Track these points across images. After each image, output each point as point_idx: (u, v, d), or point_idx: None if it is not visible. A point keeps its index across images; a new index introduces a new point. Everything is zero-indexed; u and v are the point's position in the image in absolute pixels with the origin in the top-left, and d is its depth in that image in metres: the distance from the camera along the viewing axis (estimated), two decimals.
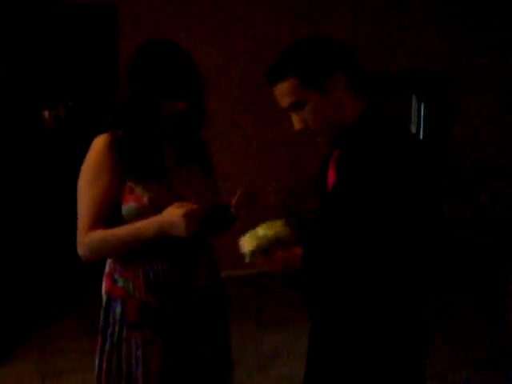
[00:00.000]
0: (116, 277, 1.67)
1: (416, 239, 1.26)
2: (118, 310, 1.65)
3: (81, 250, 1.61)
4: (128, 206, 1.58)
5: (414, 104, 4.92)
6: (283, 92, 1.35)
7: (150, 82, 1.57)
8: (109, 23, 3.97)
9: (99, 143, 1.60)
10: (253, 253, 1.43)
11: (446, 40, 5.10)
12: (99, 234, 1.58)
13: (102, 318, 1.69)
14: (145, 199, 1.57)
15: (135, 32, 4.08)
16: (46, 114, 4.77)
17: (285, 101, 1.36)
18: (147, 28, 4.19)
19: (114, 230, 1.58)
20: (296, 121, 1.39)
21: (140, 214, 1.57)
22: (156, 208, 1.57)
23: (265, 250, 1.42)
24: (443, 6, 5.06)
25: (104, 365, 1.66)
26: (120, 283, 1.66)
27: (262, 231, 1.44)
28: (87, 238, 1.58)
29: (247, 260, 1.45)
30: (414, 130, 4.96)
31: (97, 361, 1.69)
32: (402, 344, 1.38)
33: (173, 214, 1.51)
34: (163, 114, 1.60)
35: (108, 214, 1.59)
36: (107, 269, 1.72)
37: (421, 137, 4.97)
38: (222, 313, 1.82)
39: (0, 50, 3.35)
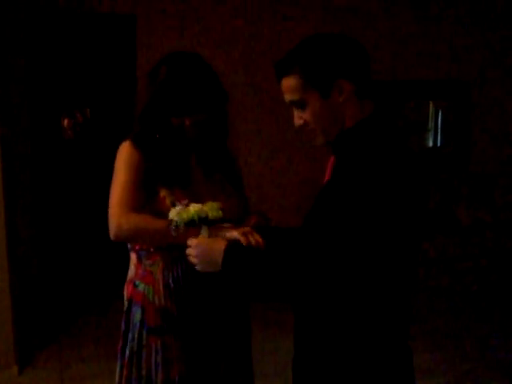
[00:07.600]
0: (137, 282, 1.70)
1: (383, 252, 1.21)
2: (138, 314, 1.67)
3: (116, 226, 1.60)
4: (151, 207, 1.63)
5: (431, 111, 4.89)
6: (287, 88, 1.35)
7: (159, 101, 1.64)
8: (127, 32, 4.01)
9: (125, 148, 1.66)
10: (176, 223, 1.43)
11: (463, 46, 5.06)
12: (143, 217, 1.60)
13: (123, 323, 1.71)
14: (168, 202, 1.62)
15: (153, 42, 4.10)
16: (66, 122, 4.84)
17: (287, 96, 1.36)
18: (165, 38, 4.22)
19: (155, 219, 1.60)
20: (296, 117, 1.38)
21: (162, 215, 1.59)
22: None
23: (190, 223, 1.43)
24: (462, 12, 5.03)
25: (124, 371, 1.67)
26: (140, 288, 1.69)
27: (195, 209, 1.44)
28: (127, 217, 1.59)
29: (173, 233, 1.46)
30: (431, 136, 4.94)
31: (118, 367, 1.71)
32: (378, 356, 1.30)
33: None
34: (174, 128, 1.67)
35: (139, 202, 1.63)
36: (129, 276, 1.75)
37: (438, 144, 4.94)
38: (244, 319, 1.81)
39: (20, 58, 3.41)
